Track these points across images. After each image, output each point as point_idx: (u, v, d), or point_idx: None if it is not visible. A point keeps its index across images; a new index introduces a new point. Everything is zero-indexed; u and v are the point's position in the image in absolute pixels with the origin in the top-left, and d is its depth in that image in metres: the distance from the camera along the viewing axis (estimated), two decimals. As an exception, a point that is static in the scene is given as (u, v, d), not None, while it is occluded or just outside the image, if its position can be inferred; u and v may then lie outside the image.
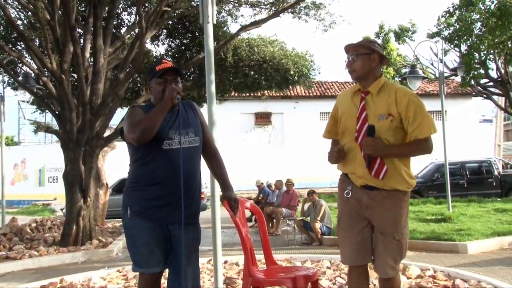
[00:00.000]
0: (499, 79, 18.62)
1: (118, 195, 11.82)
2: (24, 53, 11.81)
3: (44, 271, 8.02)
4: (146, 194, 3.21)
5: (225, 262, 6.94)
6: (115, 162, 15.50)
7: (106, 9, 10.82)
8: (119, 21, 13.27)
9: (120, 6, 12.42)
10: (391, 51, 20.13)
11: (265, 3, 12.98)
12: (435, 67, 21.25)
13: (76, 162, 9.72)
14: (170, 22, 12.86)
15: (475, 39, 14.74)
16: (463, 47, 17.65)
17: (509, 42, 13.63)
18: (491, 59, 17.89)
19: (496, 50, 15.44)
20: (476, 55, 15.42)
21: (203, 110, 3.83)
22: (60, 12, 9.82)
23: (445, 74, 16.49)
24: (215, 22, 4.70)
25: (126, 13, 13.57)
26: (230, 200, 3.47)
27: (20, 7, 11.64)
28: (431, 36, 18.51)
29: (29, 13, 11.31)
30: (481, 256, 7.86)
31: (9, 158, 22.85)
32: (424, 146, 3.35)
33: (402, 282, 5.39)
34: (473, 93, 24.62)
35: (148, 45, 13.37)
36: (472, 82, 16.99)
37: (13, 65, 12.93)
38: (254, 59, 13.24)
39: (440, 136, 12.37)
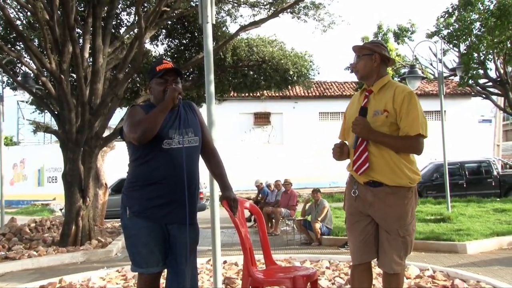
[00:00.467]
0: (498, 79, 18.64)
1: (118, 195, 11.81)
2: (23, 53, 11.80)
3: (43, 271, 8.01)
4: (145, 194, 3.21)
5: (224, 262, 6.93)
6: (114, 162, 15.50)
7: (105, 9, 10.81)
8: (118, 21, 13.27)
9: (119, 6, 12.41)
10: (390, 51, 20.08)
11: (264, 3, 12.98)
12: (434, 67, 21.21)
13: (75, 162, 9.71)
14: (169, 22, 12.85)
15: (474, 39, 14.75)
16: (462, 47, 17.68)
17: (508, 42, 13.64)
18: (490, 59, 17.91)
19: (495, 50, 15.44)
20: (475, 55, 15.44)
21: (202, 110, 3.83)
22: (59, 12, 9.81)
23: (444, 74, 16.48)
24: (214, 22, 4.70)
25: (125, 13, 13.58)
26: (230, 200, 3.48)
27: (19, 7, 11.62)
28: (430, 36, 18.53)
29: (28, 13, 11.30)
30: (480, 256, 7.87)
31: (8, 158, 22.83)
32: (412, 144, 3.37)
33: (402, 282, 5.40)
34: (472, 93, 24.62)
35: (147, 45, 13.37)
36: (471, 82, 17.01)
37: (12, 65, 12.92)
38: (253, 59, 13.24)
39: (439, 136, 12.41)
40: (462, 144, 24.22)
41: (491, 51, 15.88)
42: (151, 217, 3.20)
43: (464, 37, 15.81)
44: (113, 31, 11.80)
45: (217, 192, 4.16)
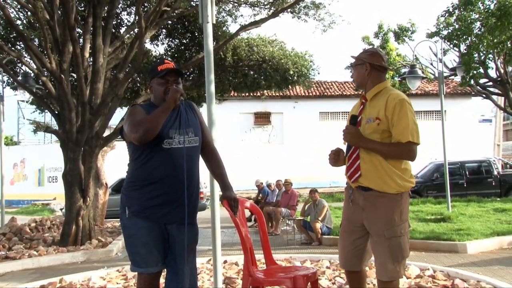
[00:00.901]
0: (499, 79, 18.62)
1: (118, 195, 11.78)
2: (24, 52, 11.81)
3: (44, 271, 8.02)
4: (145, 194, 3.22)
5: (225, 262, 6.93)
6: (115, 162, 15.49)
7: (106, 8, 10.81)
8: (119, 20, 13.27)
9: (119, 6, 12.41)
10: (390, 51, 20.09)
11: (265, 3, 12.98)
12: (435, 67, 21.20)
13: (75, 162, 9.71)
14: (170, 22, 12.85)
15: (474, 39, 14.74)
16: (463, 47, 17.65)
17: (508, 42, 13.63)
18: (491, 59, 17.88)
19: (495, 50, 15.42)
20: (476, 55, 15.42)
21: (203, 110, 3.84)
22: (59, 12, 9.82)
23: (445, 74, 16.47)
24: (214, 22, 4.70)
25: (125, 12, 13.58)
26: (230, 200, 3.47)
27: (19, 7, 11.62)
28: (431, 36, 18.49)
29: (29, 12, 11.29)
30: (481, 256, 7.87)
31: (8, 158, 22.81)
32: (403, 150, 3.41)
33: (402, 282, 5.40)
34: (473, 93, 24.63)
35: (148, 45, 13.38)
36: (472, 82, 16.99)
37: (12, 65, 12.92)
38: (254, 59, 13.24)
39: (439, 136, 12.41)
40: (462, 144, 24.21)
41: (491, 51, 15.87)
42: (150, 217, 3.20)
43: (464, 37, 15.79)
44: (114, 30, 11.81)
45: (218, 192, 4.16)
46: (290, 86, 15.57)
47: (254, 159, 25.14)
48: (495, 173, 16.77)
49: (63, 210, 11.76)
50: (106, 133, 10.94)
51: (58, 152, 10.84)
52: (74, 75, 10.88)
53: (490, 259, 7.54)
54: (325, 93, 27.04)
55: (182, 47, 13.67)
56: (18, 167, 25.84)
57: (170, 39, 13.77)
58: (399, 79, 19.84)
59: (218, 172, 3.51)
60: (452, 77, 22.29)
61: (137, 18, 9.35)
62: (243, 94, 19.49)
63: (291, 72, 13.34)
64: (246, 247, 3.92)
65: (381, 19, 27.51)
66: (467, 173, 16.72)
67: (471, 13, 15.22)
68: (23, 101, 27.06)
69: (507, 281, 5.89)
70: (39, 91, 11.55)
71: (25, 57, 11.51)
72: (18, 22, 11.84)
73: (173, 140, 3.23)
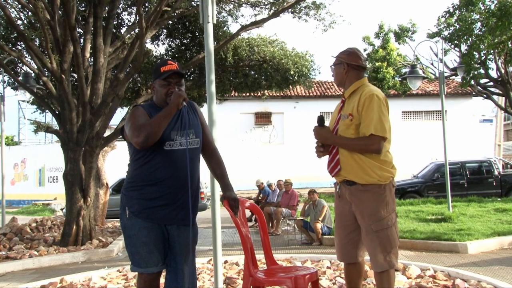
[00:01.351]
0: (499, 79, 18.63)
1: (118, 195, 11.76)
2: (24, 52, 11.81)
3: (44, 271, 8.02)
4: (145, 194, 3.22)
5: (225, 262, 6.93)
6: (115, 162, 15.53)
7: (106, 9, 10.82)
8: (119, 21, 13.27)
9: (120, 6, 12.41)
10: (391, 51, 20.11)
11: (265, 3, 12.98)
12: (435, 67, 21.24)
13: (76, 162, 9.72)
14: (170, 22, 12.86)
15: (475, 39, 14.73)
16: (463, 47, 17.66)
17: (509, 42, 13.61)
18: (491, 59, 17.88)
19: (496, 50, 15.42)
20: (476, 55, 15.41)
21: (203, 110, 3.83)
22: (60, 12, 9.82)
23: (445, 74, 16.49)
24: (215, 22, 4.70)
25: (126, 13, 13.58)
26: (230, 200, 3.48)
27: (20, 7, 11.63)
28: (431, 36, 18.51)
29: (29, 13, 11.30)
30: (481, 256, 7.86)
31: (9, 158, 22.88)
32: (366, 143, 3.55)
33: (403, 282, 5.41)
34: (473, 93, 24.63)
35: (148, 45, 13.40)
36: (472, 82, 16.98)
37: (13, 65, 12.92)
38: (254, 59, 13.24)
39: (440, 136, 12.40)
40: (463, 144, 24.21)
41: (492, 51, 15.86)
42: (150, 217, 3.21)
43: (465, 37, 15.80)
44: (114, 31, 11.81)
45: (218, 192, 4.16)
46: (290, 86, 15.55)
47: (255, 159, 25.15)
48: (496, 173, 16.74)
49: (64, 210, 11.76)
50: (107, 133, 10.94)
51: (59, 152, 10.85)
52: (75, 75, 10.89)
53: (490, 259, 7.54)
54: (326, 93, 27.04)
55: (183, 47, 13.68)
56: (19, 167, 25.86)
57: (171, 39, 13.77)
58: (400, 79, 19.85)
59: (219, 172, 3.51)
60: (453, 77, 22.29)
61: (137, 18, 9.36)
62: (244, 94, 19.48)
63: (292, 72, 13.34)
64: (246, 247, 3.92)
65: (381, 19, 27.52)
66: (467, 173, 16.70)
67: (471, 13, 15.22)
68: (23, 101, 27.12)
69: (508, 281, 5.89)
70: (39, 91, 11.55)
71: (26, 57, 11.51)
72: (19, 22, 11.85)
73: (174, 142, 3.23)
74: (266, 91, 17.17)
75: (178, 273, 3.27)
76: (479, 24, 14.92)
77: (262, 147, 26.24)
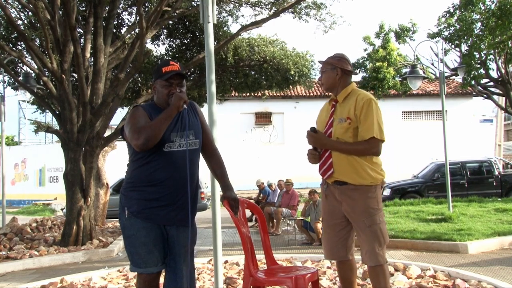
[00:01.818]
0: (500, 79, 18.62)
1: (119, 195, 11.81)
2: (25, 53, 11.81)
3: (45, 271, 8.02)
4: (144, 195, 3.22)
5: (226, 262, 6.93)
6: (116, 162, 15.50)
7: (107, 9, 10.82)
8: (120, 21, 13.28)
9: (120, 6, 12.42)
10: (391, 51, 20.10)
11: (266, 3, 12.98)
12: (436, 67, 21.23)
13: (76, 162, 9.72)
14: (171, 22, 12.86)
15: (475, 39, 14.73)
16: (464, 47, 17.66)
17: (509, 42, 13.60)
18: (492, 59, 17.88)
19: (496, 50, 15.41)
20: (477, 55, 15.40)
21: (204, 110, 3.83)
22: (60, 12, 9.82)
23: (446, 74, 16.48)
24: (215, 22, 4.70)
25: (126, 13, 13.59)
26: (231, 200, 3.48)
27: (20, 7, 11.63)
28: (432, 36, 18.51)
29: (30, 13, 11.31)
30: (482, 256, 7.86)
31: (9, 158, 22.90)
32: (367, 147, 3.69)
33: (403, 282, 5.41)
34: (474, 93, 24.63)
35: (149, 45, 13.39)
36: (473, 82, 16.98)
37: (13, 65, 12.93)
38: (255, 59, 13.24)
39: (440, 136, 12.39)
40: (463, 144, 24.19)
41: (492, 51, 15.85)
42: (149, 217, 3.21)
43: (465, 37, 15.79)
44: (114, 31, 11.81)
45: (218, 192, 4.16)
46: (291, 86, 15.55)
47: (255, 159, 25.15)
48: (496, 173, 16.72)
49: (64, 210, 11.76)
50: (107, 133, 10.94)
51: (59, 152, 10.85)
52: (75, 75, 10.89)
53: (491, 259, 7.54)
54: (326, 94, 26.94)
55: (183, 47, 13.68)
56: (19, 167, 25.86)
57: (171, 39, 13.78)
58: (400, 79, 19.84)
59: (219, 172, 3.51)
60: (453, 77, 22.29)
61: (138, 18, 9.36)
62: (244, 94, 19.48)
63: (292, 72, 13.34)
64: (247, 247, 3.92)
65: (382, 19, 27.52)
66: (468, 173, 16.68)
67: (472, 13, 15.21)
68: (24, 101, 27.12)
69: (508, 281, 5.88)
70: (40, 91, 11.56)
71: (26, 57, 11.51)
72: (19, 22, 11.85)
73: (174, 144, 3.23)
74: (266, 91, 17.17)
75: (177, 273, 3.27)
76: (479, 24, 14.92)
77: (262, 147, 26.24)
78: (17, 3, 11.31)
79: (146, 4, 11.72)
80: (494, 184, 16.52)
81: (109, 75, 11.11)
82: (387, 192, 15.80)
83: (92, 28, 10.38)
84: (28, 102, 20.93)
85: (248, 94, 18.30)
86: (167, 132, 3.19)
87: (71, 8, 8.88)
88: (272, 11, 12.26)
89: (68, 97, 9.66)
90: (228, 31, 13.28)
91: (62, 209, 16.78)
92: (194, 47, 13.46)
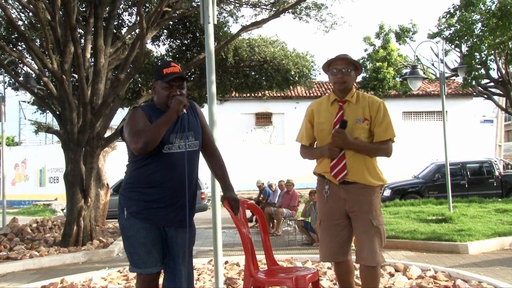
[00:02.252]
0: (500, 79, 18.60)
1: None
2: (25, 53, 11.81)
3: (45, 271, 8.02)
4: (143, 196, 3.22)
5: (226, 262, 6.92)
6: (116, 162, 15.48)
7: (107, 9, 10.82)
8: (120, 21, 13.28)
9: (120, 7, 12.42)
10: (391, 51, 20.09)
11: (266, 3, 12.98)
12: (436, 68, 21.24)
13: (76, 163, 9.72)
14: (171, 23, 12.86)
15: (475, 40, 14.72)
16: (464, 48, 17.65)
17: (510, 43, 13.60)
18: (492, 60, 17.86)
19: (497, 51, 15.41)
20: (477, 55, 15.39)
21: (204, 110, 3.83)
22: (60, 13, 9.82)
23: (446, 75, 16.47)
24: (215, 23, 4.70)
25: (126, 13, 13.59)
26: (231, 201, 3.47)
27: (20, 8, 11.64)
28: (432, 36, 18.50)
29: (30, 13, 11.31)
30: (482, 256, 7.86)
31: (10, 158, 22.92)
32: (385, 147, 3.78)
33: (403, 283, 5.41)
34: (474, 94, 24.61)
35: (149, 46, 13.39)
36: (473, 82, 16.97)
37: (14, 65, 12.93)
38: (255, 60, 13.25)
39: (441, 136, 12.39)
40: (463, 145, 24.18)
41: (492, 52, 15.84)
42: (148, 218, 3.21)
43: (465, 38, 15.78)
44: (115, 31, 11.82)
45: (219, 192, 4.16)
46: (291, 87, 15.54)
47: (255, 159, 25.15)
48: (497, 173, 16.72)
49: (64, 211, 11.76)
50: (107, 133, 10.94)
51: (59, 152, 10.85)
52: (76, 75, 10.89)
53: (491, 260, 7.54)
54: (326, 94, 27.02)
55: (183, 48, 13.68)
56: (20, 167, 25.86)
57: (171, 39, 13.78)
58: (400, 79, 19.83)
59: (219, 172, 3.51)
60: (454, 77, 22.29)
61: (138, 18, 9.36)
62: (244, 95, 19.46)
63: (292, 73, 13.34)
64: (247, 247, 3.92)
65: (382, 20, 27.52)
66: (468, 173, 16.68)
67: (472, 13, 15.20)
68: (24, 101, 27.12)
69: (509, 282, 5.88)
70: (40, 92, 11.56)
71: (27, 57, 11.51)
72: (20, 22, 11.86)
73: (173, 145, 3.23)
74: (266, 92, 17.18)
75: (176, 274, 3.28)
76: (479, 24, 14.91)
77: (262, 148, 26.24)
78: (17, 3, 11.32)
79: (147, 5, 11.72)
80: (495, 184, 16.52)
81: (110, 75, 11.11)
82: (387, 192, 15.81)
83: (93, 29, 10.39)
84: (28, 102, 20.94)
85: (248, 94, 18.29)
86: (167, 134, 3.18)
87: (71, 9, 8.89)
88: (273, 11, 12.26)
89: (68, 97, 9.67)
90: (229, 31, 13.29)
91: (62, 210, 16.78)
92: (195, 48, 13.46)
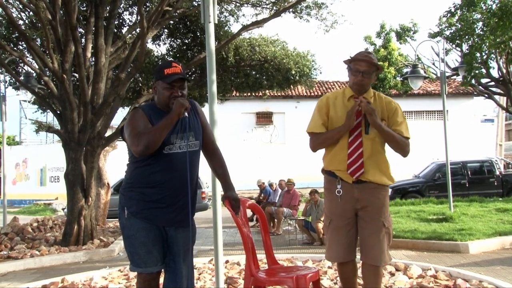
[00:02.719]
0: (501, 78, 18.58)
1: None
2: (26, 52, 11.82)
3: (46, 271, 8.03)
4: (143, 196, 3.22)
5: (226, 261, 6.93)
6: (117, 162, 15.48)
7: (108, 8, 10.82)
8: (121, 20, 13.28)
9: (121, 6, 12.42)
10: (392, 50, 20.09)
11: (267, 2, 12.97)
12: (437, 67, 21.19)
13: (77, 162, 9.72)
14: (172, 22, 12.86)
15: (476, 39, 14.70)
16: (465, 47, 17.61)
17: (510, 42, 13.59)
18: (493, 59, 17.85)
19: (497, 50, 15.40)
20: (478, 54, 15.37)
21: (205, 110, 3.82)
22: (61, 12, 9.83)
23: (447, 74, 16.45)
24: (216, 22, 4.69)
25: (127, 12, 13.59)
26: (232, 200, 3.47)
27: (21, 7, 11.64)
28: (433, 35, 18.47)
29: (31, 12, 11.31)
30: (483, 256, 7.86)
31: (10, 157, 22.91)
32: (406, 143, 3.78)
33: (404, 282, 5.42)
34: (475, 93, 24.57)
35: (150, 45, 13.39)
36: (473, 81, 16.94)
37: (14, 65, 12.93)
38: (256, 59, 13.24)
39: (441, 135, 12.38)
40: (464, 144, 24.18)
41: (493, 51, 15.83)
42: (149, 217, 3.21)
43: (466, 37, 15.76)
44: (115, 30, 11.82)
45: (219, 191, 4.16)
46: (292, 86, 15.56)
47: (256, 159, 25.14)
48: (497, 173, 16.71)
49: (65, 210, 11.75)
50: (108, 133, 10.95)
51: (60, 152, 10.84)
52: (76, 75, 10.89)
53: (492, 259, 7.53)
54: (327, 93, 27.01)
55: (184, 47, 13.68)
56: (20, 167, 25.87)
57: (172, 39, 13.77)
58: (401, 79, 19.82)
59: (220, 172, 3.50)
60: (454, 77, 22.25)
61: (139, 18, 9.36)
62: (245, 94, 19.47)
63: (293, 72, 13.34)
64: (248, 247, 3.92)
65: (383, 19, 27.51)
66: (469, 173, 16.67)
67: (473, 13, 15.18)
68: (25, 101, 27.18)
69: (509, 281, 5.88)
70: (41, 91, 11.57)
71: (27, 57, 11.52)
72: (20, 22, 11.85)
73: (174, 146, 3.22)
74: (267, 91, 17.18)
75: (177, 273, 3.28)
76: (480, 24, 14.88)
77: (263, 147, 26.24)
78: (18, 3, 11.32)
79: (147, 4, 11.72)
80: (495, 184, 16.51)
81: (110, 75, 11.11)
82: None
83: (93, 28, 10.39)
84: (29, 102, 20.99)
85: (249, 94, 18.30)
86: (167, 134, 3.17)
87: (72, 8, 8.89)
88: (273, 11, 12.26)
89: (69, 97, 9.67)
90: (229, 31, 13.28)
91: (63, 209, 16.79)
92: (195, 47, 13.46)
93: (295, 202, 11.72)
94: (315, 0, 12.47)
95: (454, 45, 19.12)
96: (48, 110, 14.06)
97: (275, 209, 11.64)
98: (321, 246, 9.50)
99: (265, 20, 11.10)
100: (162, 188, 3.20)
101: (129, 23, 13.36)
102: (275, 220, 11.64)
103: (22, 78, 11.90)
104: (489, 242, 8.44)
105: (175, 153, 3.21)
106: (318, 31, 40.89)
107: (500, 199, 15.02)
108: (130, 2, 13.01)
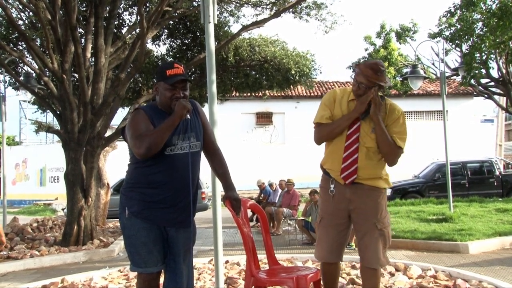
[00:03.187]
0: (501, 79, 18.57)
1: (119, 194, 11.78)
2: (25, 53, 11.82)
3: (45, 271, 8.03)
4: (144, 196, 3.21)
5: (226, 262, 6.92)
6: (117, 162, 15.49)
7: (107, 9, 10.82)
8: (120, 21, 13.28)
9: (121, 6, 12.42)
10: (392, 51, 20.08)
11: (267, 2, 12.97)
12: (436, 67, 21.19)
13: (77, 162, 9.72)
14: (171, 22, 12.86)
15: (476, 39, 14.71)
16: (464, 47, 17.62)
17: (510, 42, 13.59)
18: (493, 59, 17.85)
19: (497, 50, 15.40)
20: (477, 55, 15.37)
21: (205, 110, 3.82)
22: (61, 12, 9.83)
23: (446, 74, 16.45)
24: (216, 22, 4.69)
25: (127, 13, 13.59)
26: (232, 200, 3.47)
27: (21, 7, 11.64)
28: (433, 36, 18.47)
29: (30, 13, 11.31)
30: (482, 256, 7.86)
31: (10, 158, 22.87)
32: (395, 150, 3.72)
33: (404, 282, 5.42)
34: (474, 93, 24.58)
35: (149, 45, 13.39)
36: (472, 81, 16.95)
37: (14, 65, 12.93)
38: (255, 59, 13.25)
39: (441, 136, 12.38)
40: (464, 144, 24.18)
41: (493, 51, 15.83)
42: (149, 217, 3.21)
43: (466, 37, 15.77)
44: (115, 31, 11.82)
45: (220, 191, 4.16)
46: (291, 86, 15.54)
47: (256, 159, 25.15)
48: (497, 173, 16.72)
49: (65, 210, 11.75)
50: (108, 133, 10.95)
51: (60, 152, 10.84)
52: (76, 75, 10.89)
53: (492, 259, 7.54)
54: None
55: (184, 47, 13.68)
56: (20, 167, 25.86)
57: (172, 39, 13.78)
58: (401, 79, 19.81)
59: (221, 172, 3.49)
60: (454, 77, 22.25)
61: (138, 18, 9.36)
62: (245, 94, 19.47)
63: (293, 72, 13.34)
64: (248, 247, 3.92)
65: (383, 19, 27.53)
66: (469, 173, 16.68)
67: (472, 13, 15.19)
68: (25, 101, 27.16)
69: (509, 281, 5.88)
70: (41, 91, 11.56)
71: (27, 57, 11.52)
72: (20, 22, 11.85)
73: (175, 147, 3.21)
74: (267, 91, 17.17)
75: (177, 273, 3.28)
76: (480, 24, 14.89)
77: (263, 147, 26.24)
78: (17, 3, 11.32)
79: (147, 4, 11.72)
80: (495, 184, 16.52)
81: (110, 75, 11.11)
82: (388, 192, 15.75)
83: (93, 28, 10.39)
84: (29, 102, 20.98)
85: (249, 94, 18.30)
86: (169, 136, 3.17)
87: (72, 8, 8.89)
88: (273, 11, 12.26)
89: (69, 97, 9.67)
90: (229, 31, 13.29)
91: (63, 209, 16.78)
92: (195, 47, 13.46)
93: (295, 202, 11.72)
94: (315, 0, 12.48)
95: (453, 45, 19.12)
96: (48, 110, 14.06)
97: (275, 209, 11.64)
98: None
99: (265, 20, 11.10)
100: (164, 189, 3.19)
101: (129, 23, 13.38)
102: (275, 220, 11.63)
103: (22, 78, 11.89)
104: (489, 242, 8.45)
105: (176, 154, 3.21)
106: (318, 32, 41.00)
107: (500, 199, 15.03)
108: (130, 2, 13.01)
